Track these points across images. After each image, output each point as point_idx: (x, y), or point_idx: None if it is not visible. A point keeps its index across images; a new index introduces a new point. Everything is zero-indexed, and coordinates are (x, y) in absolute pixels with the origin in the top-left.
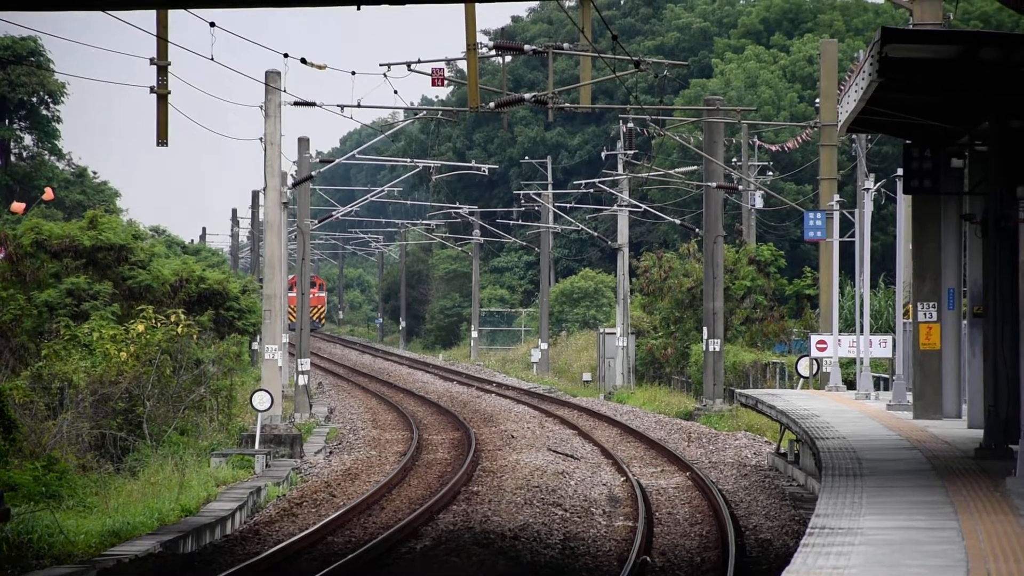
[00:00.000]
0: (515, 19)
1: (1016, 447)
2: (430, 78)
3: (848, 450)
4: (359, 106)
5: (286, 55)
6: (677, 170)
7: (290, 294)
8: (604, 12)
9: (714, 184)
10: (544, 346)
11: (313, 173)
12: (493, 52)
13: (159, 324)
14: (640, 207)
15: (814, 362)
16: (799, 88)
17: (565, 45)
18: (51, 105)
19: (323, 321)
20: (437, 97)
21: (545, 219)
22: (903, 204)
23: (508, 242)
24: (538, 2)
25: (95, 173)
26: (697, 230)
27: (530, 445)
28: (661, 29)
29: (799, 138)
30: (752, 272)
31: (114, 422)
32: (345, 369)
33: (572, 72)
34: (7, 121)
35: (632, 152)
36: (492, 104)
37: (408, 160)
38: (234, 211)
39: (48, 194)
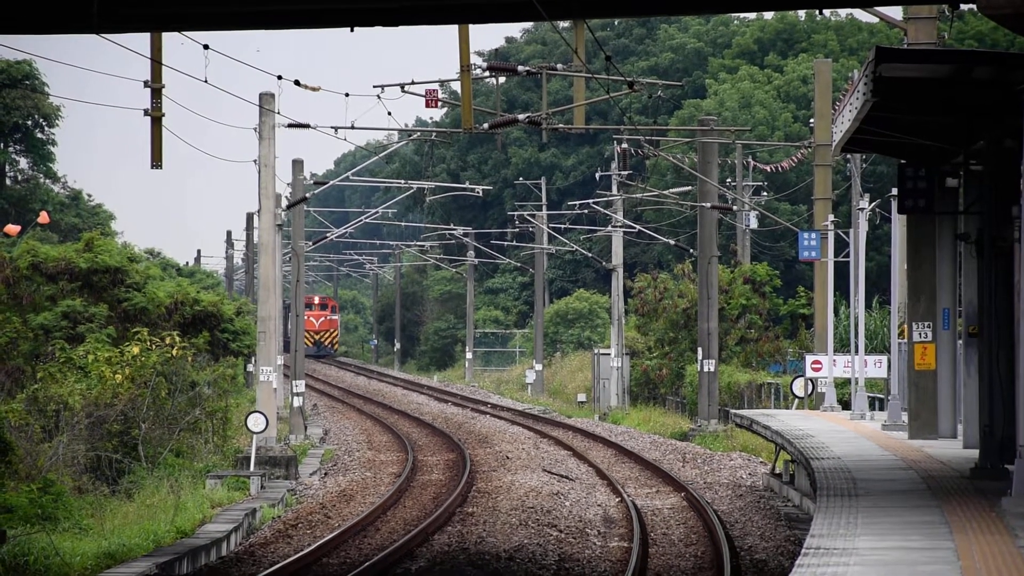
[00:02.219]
0: (509, 40)
1: (1012, 467)
2: (424, 99)
3: (843, 470)
4: (353, 127)
5: (280, 77)
6: (671, 191)
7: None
8: (598, 33)
9: (708, 204)
10: (539, 367)
11: (307, 195)
12: (487, 73)
13: (154, 346)
14: (634, 228)
15: (809, 382)
16: (793, 108)
17: (559, 66)
18: (46, 128)
19: (336, 346)
20: (431, 118)
21: (539, 240)
22: (898, 224)
23: (502, 263)
24: (532, 23)
25: (90, 196)
26: (691, 251)
27: (525, 466)
28: (655, 50)
29: (793, 158)
30: (747, 292)
31: (109, 444)
32: (340, 391)
33: (566, 93)
34: (2, 144)
35: (626, 173)
36: (486, 125)
37: (402, 181)
38: (228, 233)
39: (43, 217)
